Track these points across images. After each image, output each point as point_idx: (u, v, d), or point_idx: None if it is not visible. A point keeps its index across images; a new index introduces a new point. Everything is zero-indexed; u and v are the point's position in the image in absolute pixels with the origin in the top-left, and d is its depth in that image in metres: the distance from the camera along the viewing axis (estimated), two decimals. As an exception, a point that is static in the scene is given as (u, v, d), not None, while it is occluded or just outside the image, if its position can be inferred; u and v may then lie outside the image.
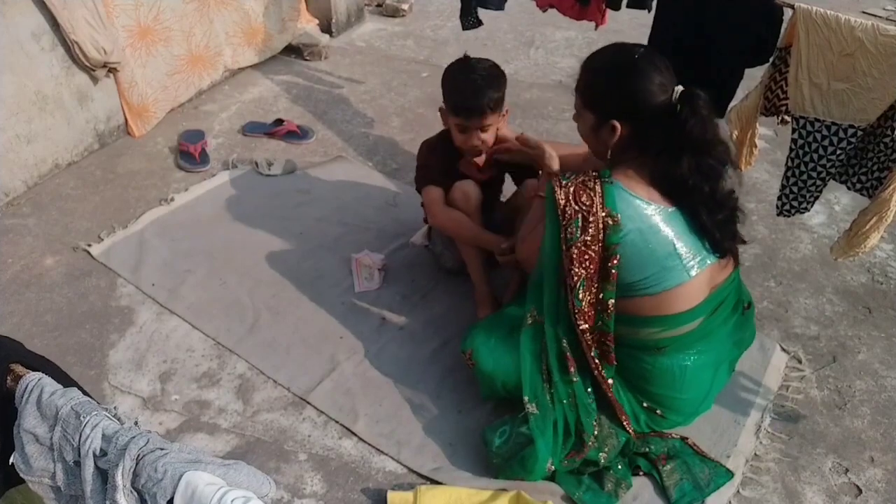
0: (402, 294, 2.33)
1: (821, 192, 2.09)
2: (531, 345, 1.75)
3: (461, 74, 2.07)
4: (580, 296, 1.64)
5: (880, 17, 4.43)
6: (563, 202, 1.59)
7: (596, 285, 1.64)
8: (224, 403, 1.95)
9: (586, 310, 1.66)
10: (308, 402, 1.95)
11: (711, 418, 1.90)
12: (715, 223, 1.64)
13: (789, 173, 2.11)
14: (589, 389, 1.75)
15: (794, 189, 2.12)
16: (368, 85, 3.64)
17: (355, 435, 1.87)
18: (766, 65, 2.14)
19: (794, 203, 2.14)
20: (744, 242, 1.75)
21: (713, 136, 1.61)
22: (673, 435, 1.84)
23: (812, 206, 2.14)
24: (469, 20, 3.07)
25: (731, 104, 2.27)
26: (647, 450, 1.79)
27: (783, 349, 2.15)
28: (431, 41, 4.18)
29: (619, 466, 1.77)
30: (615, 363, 1.72)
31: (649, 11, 2.52)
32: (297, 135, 3.14)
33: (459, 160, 2.21)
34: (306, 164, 2.98)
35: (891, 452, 1.88)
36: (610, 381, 1.74)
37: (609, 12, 2.78)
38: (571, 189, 1.60)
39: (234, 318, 2.21)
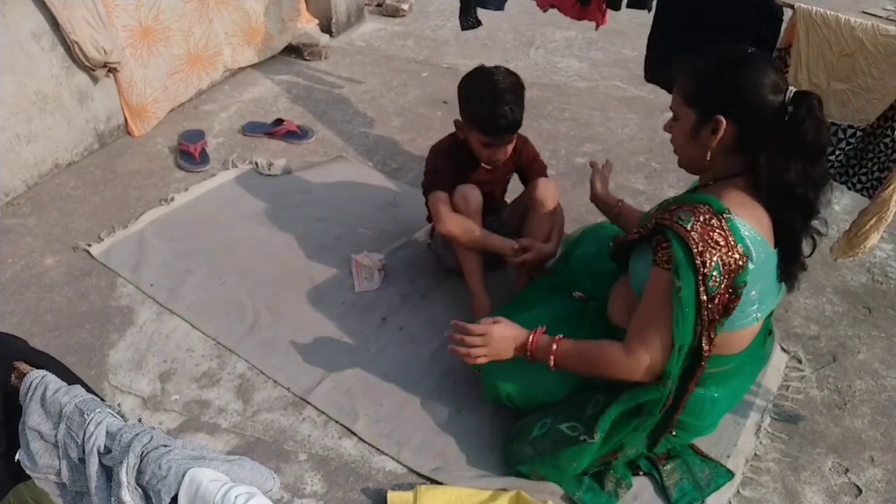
0: (402, 294, 2.33)
1: (821, 192, 2.10)
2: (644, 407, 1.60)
3: (488, 92, 1.98)
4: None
5: (880, 17, 4.45)
6: (700, 247, 1.41)
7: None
8: (224, 403, 1.95)
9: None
10: (308, 402, 1.95)
11: (712, 418, 1.90)
12: (806, 230, 1.55)
13: (789, 174, 2.11)
14: None
15: (794, 189, 2.12)
16: (368, 85, 3.64)
17: (355, 435, 1.87)
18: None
19: (794, 203, 2.14)
20: (804, 269, 1.64)
21: (827, 141, 1.48)
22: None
23: (812, 206, 2.14)
24: (468, 20, 3.08)
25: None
26: (648, 450, 1.79)
27: (783, 349, 2.16)
28: (431, 41, 4.18)
29: (620, 466, 1.77)
30: None
31: (649, 11, 2.53)
32: (297, 135, 3.14)
33: (473, 167, 2.18)
34: (306, 164, 2.98)
35: (891, 452, 1.88)
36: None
37: (609, 12, 2.79)
38: (699, 231, 1.42)
39: (234, 318, 2.21)
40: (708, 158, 1.54)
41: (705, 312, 1.45)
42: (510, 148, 2.10)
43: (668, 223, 1.47)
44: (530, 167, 2.25)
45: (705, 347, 1.49)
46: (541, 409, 1.78)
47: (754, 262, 1.45)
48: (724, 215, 1.45)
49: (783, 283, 1.61)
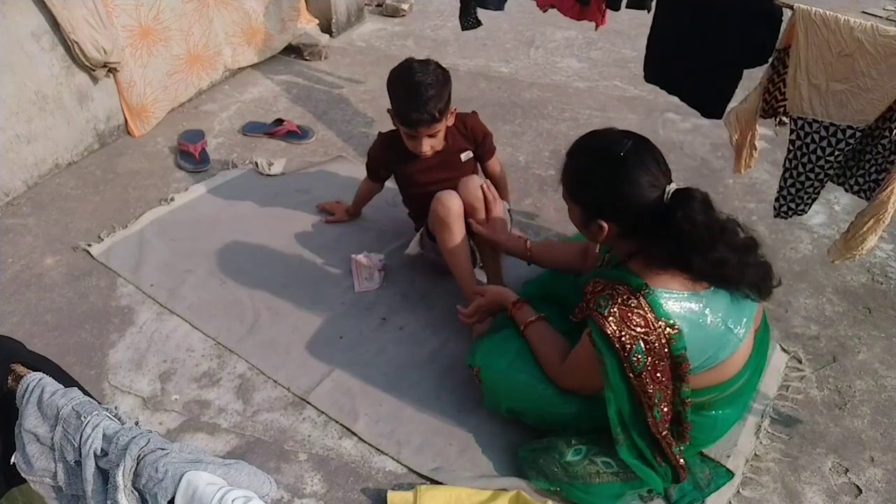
0: (402, 294, 2.33)
1: (818, 193, 2.09)
2: (636, 459, 1.66)
3: (405, 83, 2.06)
4: (659, 411, 1.54)
5: (880, 17, 4.43)
6: (617, 333, 1.45)
7: (671, 389, 1.54)
8: (224, 403, 1.95)
9: (666, 416, 1.57)
10: (308, 402, 1.95)
11: (711, 418, 1.90)
12: (750, 278, 1.53)
13: (787, 175, 2.11)
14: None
15: (792, 191, 2.12)
16: (368, 85, 3.64)
17: (355, 435, 1.87)
18: (765, 66, 2.14)
19: (792, 205, 2.14)
20: (779, 283, 1.61)
21: (718, 229, 1.47)
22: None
23: (810, 207, 2.13)
24: (468, 20, 3.08)
25: (730, 106, 2.27)
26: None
27: (783, 349, 2.15)
28: (431, 41, 4.18)
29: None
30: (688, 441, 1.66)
31: (649, 12, 2.52)
32: (297, 135, 3.14)
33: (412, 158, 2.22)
34: (306, 164, 2.98)
35: (891, 452, 1.88)
36: (682, 461, 1.67)
37: (609, 12, 2.79)
38: (617, 315, 1.46)
39: (234, 318, 2.21)
40: (598, 248, 1.60)
41: (636, 385, 1.50)
42: (435, 142, 2.14)
43: (590, 311, 1.51)
44: (480, 148, 2.31)
45: (648, 416, 1.54)
46: (543, 421, 1.80)
47: (692, 320, 1.47)
48: (643, 292, 1.46)
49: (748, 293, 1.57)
